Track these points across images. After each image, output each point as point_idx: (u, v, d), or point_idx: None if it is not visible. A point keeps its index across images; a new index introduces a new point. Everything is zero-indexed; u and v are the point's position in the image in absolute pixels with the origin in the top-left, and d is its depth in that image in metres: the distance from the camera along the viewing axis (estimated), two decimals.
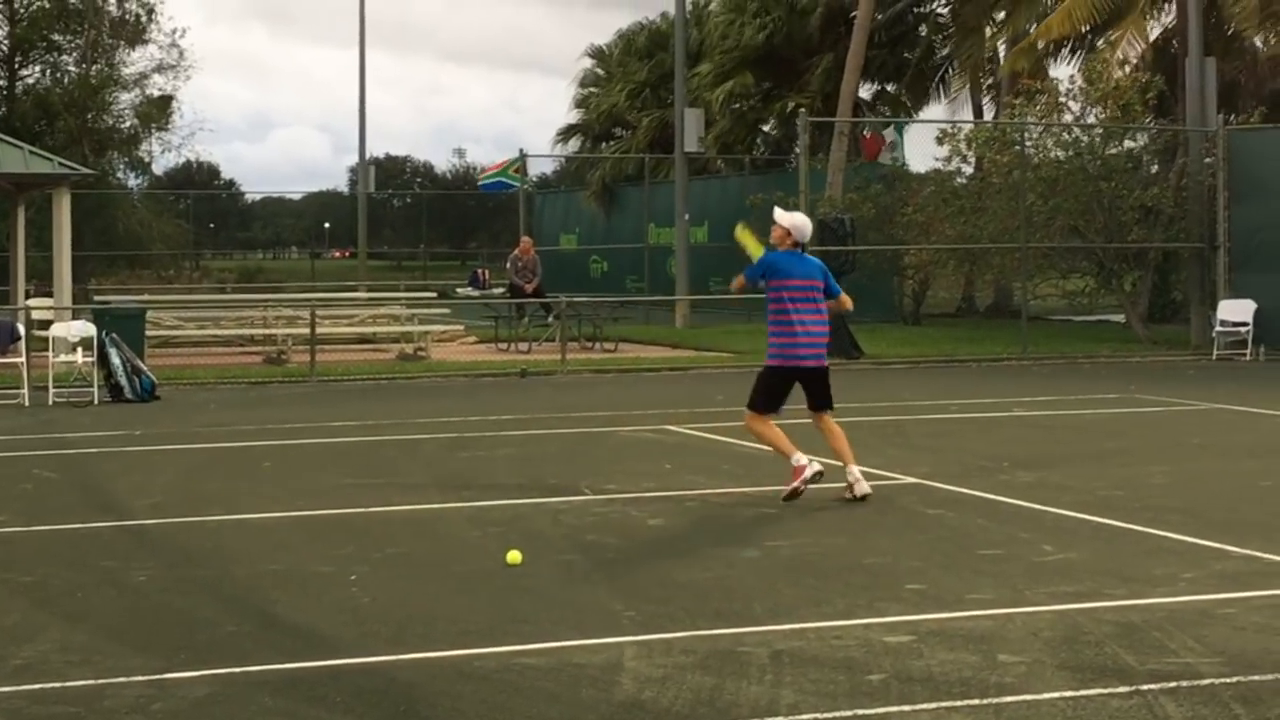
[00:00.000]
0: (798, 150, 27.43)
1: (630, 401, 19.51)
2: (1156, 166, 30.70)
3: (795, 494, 11.45)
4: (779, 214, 12.08)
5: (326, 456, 14.72)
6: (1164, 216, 28.62)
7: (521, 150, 43.08)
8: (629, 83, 51.90)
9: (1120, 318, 31.82)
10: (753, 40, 44.68)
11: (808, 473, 11.43)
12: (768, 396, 11.98)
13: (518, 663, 7.08)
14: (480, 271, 45.94)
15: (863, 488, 11.59)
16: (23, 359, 20.08)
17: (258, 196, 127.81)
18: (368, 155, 50.55)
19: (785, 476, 12.88)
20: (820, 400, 12.11)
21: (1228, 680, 6.72)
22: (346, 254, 75.72)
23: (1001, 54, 39.75)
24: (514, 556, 9.27)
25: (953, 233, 30.46)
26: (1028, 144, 28.94)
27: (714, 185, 45.17)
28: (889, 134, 38.79)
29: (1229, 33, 32.64)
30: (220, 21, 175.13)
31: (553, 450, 15.04)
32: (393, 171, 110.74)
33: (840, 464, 11.81)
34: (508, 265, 31.15)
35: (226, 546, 10.07)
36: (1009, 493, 11.88)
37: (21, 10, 46.99)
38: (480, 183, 43.05)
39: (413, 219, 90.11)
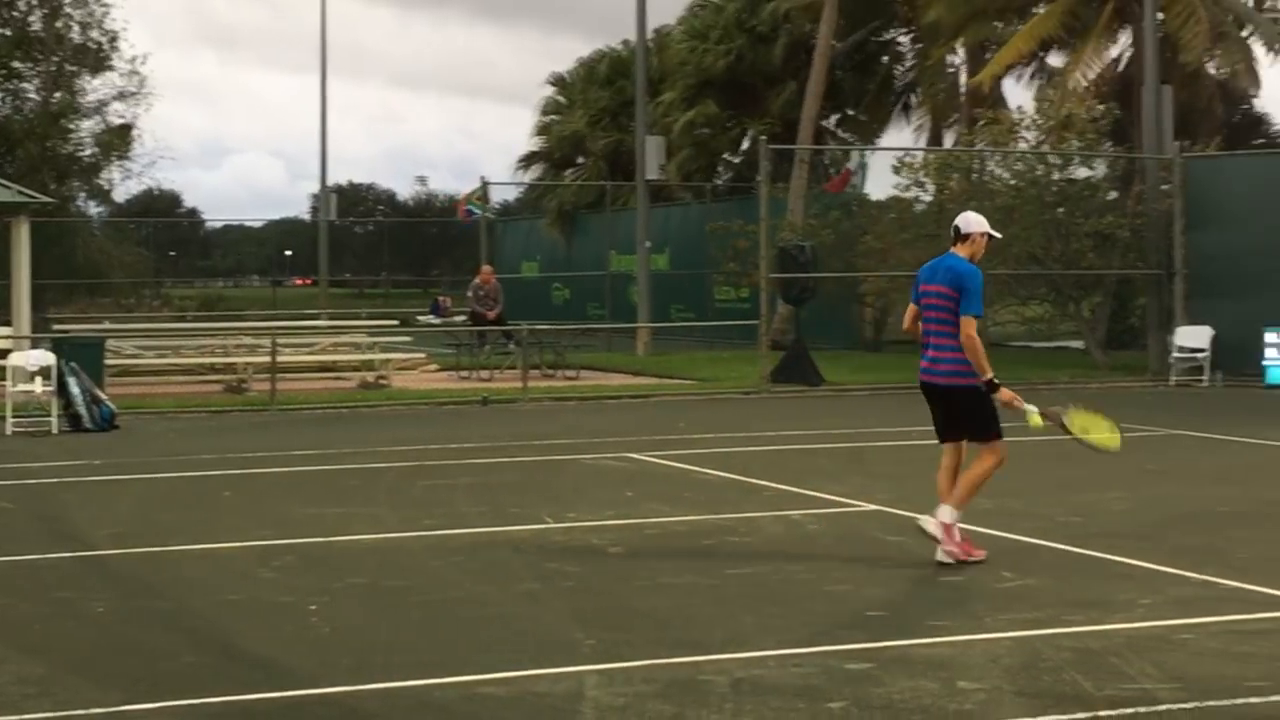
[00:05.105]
0: (759, 177, 27.47)
1: (592, 429, 19.52)
2: (1115, 193, 30.90)
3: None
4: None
5: (287, 486, 14.67)
6: (1121, 243, 28.81)
7: (483, 178, 43.17)
8: (590, 110, 52.01)
9: (1079, 344, 32.00)
10: (714, 67, 44.84)
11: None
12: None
13: (478, 692, 7.08)
14: (442, 299, 45.90)
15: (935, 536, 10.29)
16: None
17: (219, 224, 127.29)
18: (328, 182, 50.51)
19: (747, 505, 13.00)
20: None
21: (1184, 706, 6.76)
22: (308, 282, 75.55)
23: (963, 80, 40.05)
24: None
25: (911, 259, 30.55)
26: (983, 171, 29.12)
27: (675, 212, 45.28)
28: (854, 163, 38.93)
29: (1181, 61, 32.90)
30: (168, 47, 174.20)
31: (514, 478, 15.03)
32: (354, 199, 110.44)
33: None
34: (469, 293, 31.13)
35: (186, 577, 10.03)
36: (968, 519, 11.86)
37: None
38: (467, 208, 42.95)
39: (375, 247, 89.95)
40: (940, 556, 10.14)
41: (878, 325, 36.80)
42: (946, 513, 10.22)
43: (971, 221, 10.55)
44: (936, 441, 10.68)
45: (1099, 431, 10.66)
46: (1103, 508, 12.73)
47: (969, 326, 10.12)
